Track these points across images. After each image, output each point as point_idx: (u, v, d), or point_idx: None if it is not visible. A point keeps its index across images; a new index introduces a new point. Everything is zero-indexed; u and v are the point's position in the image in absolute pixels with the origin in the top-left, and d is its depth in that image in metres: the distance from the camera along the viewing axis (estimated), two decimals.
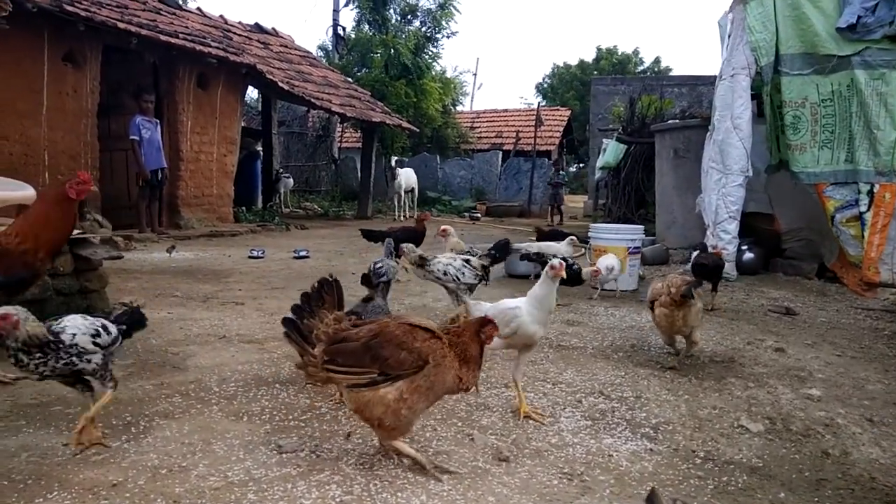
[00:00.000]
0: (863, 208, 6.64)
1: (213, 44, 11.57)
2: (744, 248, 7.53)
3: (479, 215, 19.22)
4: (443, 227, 6.24)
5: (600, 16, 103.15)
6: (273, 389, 3.36)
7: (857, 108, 6.62)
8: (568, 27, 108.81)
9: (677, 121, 9.89)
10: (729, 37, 7.37)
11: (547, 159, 23.43)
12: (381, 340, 2.39)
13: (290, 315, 2.55)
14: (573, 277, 5.82)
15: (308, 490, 2.31)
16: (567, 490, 2.42)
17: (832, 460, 2.78)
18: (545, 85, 47.04)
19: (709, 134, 7.56)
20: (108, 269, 6.31)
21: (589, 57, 45.10)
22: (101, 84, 9.75)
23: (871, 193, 6.59)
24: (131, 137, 9.72)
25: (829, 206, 6.85)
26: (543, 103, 41.34)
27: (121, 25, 9.29)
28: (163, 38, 10.13)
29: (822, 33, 6.73)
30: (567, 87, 43.49)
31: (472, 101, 36.80)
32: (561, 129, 29.44)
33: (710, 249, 6.26)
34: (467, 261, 4.74)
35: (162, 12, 11.81)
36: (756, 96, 7.27)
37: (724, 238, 7.13)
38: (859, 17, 6.46)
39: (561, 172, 19.15)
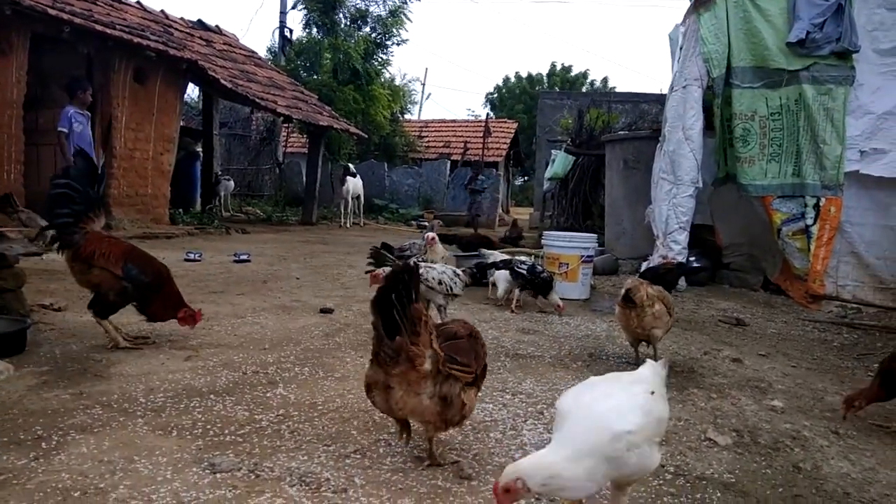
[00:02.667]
0: (809, 221, 6.73)
1: (152, 37, 11.03)
2: (692, 259, 7.55)
3: (426, 224, 19.02)
4: (430, 234, 6.23)
5: (549, 34, 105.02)
6: (207, 401, 3.04)
7: (805, 122, 6.73)
8: (518, 43, 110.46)
9: (627, 132, 9.94)
10: (681, 49, 7.42)
11: (494, 170, 23.47)
12: (478, 339, 2.52)
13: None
14: (543, 284, 5.68)
15: None
16: None
17: (804, 475, 2.67)
18: (495, 96, 47.41)
19: (659, 145, 7.58)
20: (28, 269, 5.83)
21: (540, 71, 45.82)
22: (28, 74, 9.11)
23: (817, 207, 6.70)
24: (60, 129, 8.92)
25: (776, 218, 6.93)
26: (492, 115, 41.65)
27: (51, 12, 8.72)
28: (98, 27, 9.57)
29: (772, 47, 6.83)
30: (516, 99, 43.99)
31: (420, 110, 36.77)
32: (508, 140, 29.57)
33: (658, 260, 6.22)
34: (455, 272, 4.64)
35: (98, 2, 11.18)
36: (706, 109, 7.32)
37: (675, 248, 7.13)
38: (808, 33, 6.58)
39: (480, 178, 17.78)
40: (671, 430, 3.05)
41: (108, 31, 9.76)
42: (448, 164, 24.04)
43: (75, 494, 2.10)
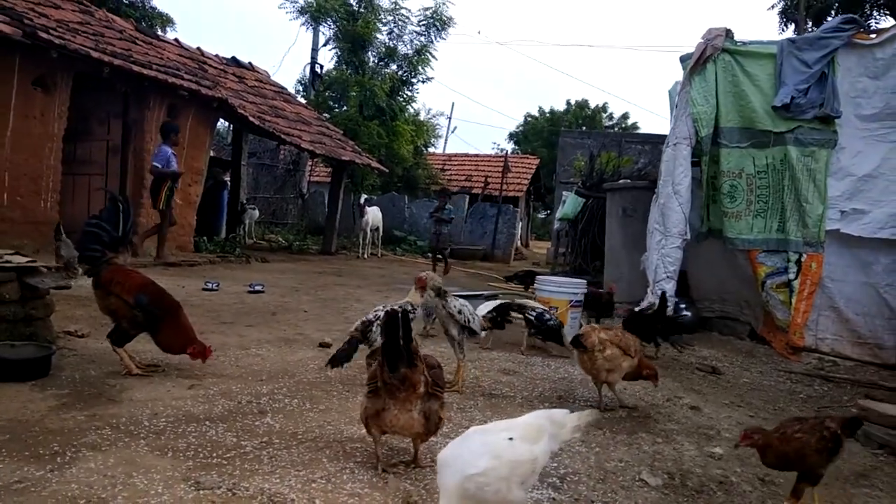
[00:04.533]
0: (791, 276, 7.04)
1: (186, 76, 11.77)
2: (682, 306, 7.86)
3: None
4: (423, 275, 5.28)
5: (577, 70, 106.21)
6: (202, 426, 3.48)
7: (789, 181, 7.08)
8: (546, 79, 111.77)
9: (628, 181, 10.34)
10: (675, 107, 7.83)
11: (512, 206, 23.91)
12: (441, 369, 3.17)
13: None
14: (550, 332, 6.00)
15: None
16: None
17: None
18: (518, 133, 48.15)
19: (654, 196, 7.96)
20: (57, 296, 6.39)
21: (560, 107, 46.49)
22: (69, 110, 9.86)
23: (799, 262, 7.01)
24: (154, 164, 10.23)
25: (761, 271, 7.25)
26: (516, 150, 42.31)
27: (94, 55, 9.45)
28: (135, 68, 10.30)
29: (759, 110, 7.22)
30: (537, 136, 44.62)
31: (445, 143, 37.54)
32: (529, 176, 30.10)
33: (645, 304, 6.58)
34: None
35: (138, 42, 12.01)
36: (698, 163, 7.72)
37: None
38: (793, 98, 6.97)
39: (448, 208, 15.10)
40: (610, 469, 3.41)
41: (145, 71, 10.48)
42: (467, 199, 24.55)
43: (81, 502, 2.54)
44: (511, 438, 2.22)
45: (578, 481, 3.25)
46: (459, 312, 4.65)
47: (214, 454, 3.13)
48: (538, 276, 7.88)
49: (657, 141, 23.83)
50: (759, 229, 7.33)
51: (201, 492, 2.71)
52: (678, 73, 7.99)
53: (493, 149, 45.62)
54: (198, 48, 15.13)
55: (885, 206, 6.63)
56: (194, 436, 3.34)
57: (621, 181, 10.50)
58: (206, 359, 4.47)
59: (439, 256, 14.76)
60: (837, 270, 6.88)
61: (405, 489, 2.93)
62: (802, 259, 6.98)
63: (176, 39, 14.93)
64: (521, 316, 6.34)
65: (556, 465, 3.43)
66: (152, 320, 4.37)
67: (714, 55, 7.28)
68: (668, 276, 7.46)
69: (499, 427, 2.35)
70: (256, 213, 17.73)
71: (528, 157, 33.79)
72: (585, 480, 3.26)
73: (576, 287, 7.16)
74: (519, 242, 26.23)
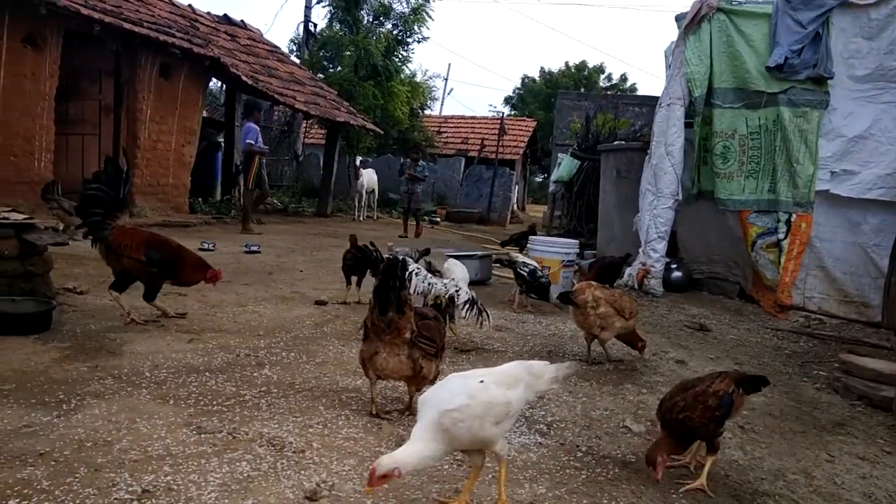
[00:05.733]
0: (781, 236, 7.14)
1: (177, 34, 11.62)
2: (673, 266, 7.98)
3: (438, 220, 19.55)
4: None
5: (574, 30, 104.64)
6: (202, 377, 3.59)
7: (781, 142, 7.13)
8: (544, 40, 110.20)
9: (623, 142, 10.36)
10: (670, 67, 7.83)
11: (508, 168, 23.86)
12: (440, 322, 3.38)
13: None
14: (541, 288, 6.16)
15: (220, 465, 2.57)
16: (455, 473, 2.73)
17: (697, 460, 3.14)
18: (514, 96, 47.67)
19: (647, 157, 8.01)
20: (56, 254, 6.45)
21: (559, 69, 45.97)
22: (60, 68, 9.76)
23: (788, 222, 7.11)
24: (248, 141, 11.15)
25: (752, 231, 7.35)
26: (512, 113, 41.96)
27: (84, 11, 9.31)
28: (126, 25, 10.16)
29: (752, 70, 7.23)
30: (535, 98, 44.21)
31: (441, 105, 37.14)
32: (526, 139, 29.92)
33: (638, 266, 6.71)
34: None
35: None
36: (691, 124, 7.75)
37: (653, 256, 7.58)
38: (786, 58, 6.97)
39: (421, 164, 13.99)
40: (595, 417, 3.56)
41: (136, 28, 10.34)
42: (463, 162, 24.49)
43: (88, 444, 2.65)
44: (486, 382, 2.33)
45: (565, 428, 3.38)
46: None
47: (215, 402, 3.24)
48: (531, 237, 7.98)
49: (654, 103, 23.63)
50: (751, 190, 7.40)
51: (203, 435, 2.83)
52: (675, 33, 7.96)
53: (491, 111, 45.34)
54: (189, 5, 14.88)
55: (875, 167, 6.69)
56: (195, 385, 3.46)
57: (616, 143, 10.52)
58: (217, 281, 4.89)
59: (412, 217, 13.81)
60: (826, 230, 6.98)
61: (399, 434, 3.05)
62: (792, 219, 7.07)
63: None
64: (512, 273, 6.48)
65: (543, 413, 3.57)
66: (168, 268, 4.65)
67: (709, 14, 7.26)
68: (659, 237, 7.56)
69: (477, 373, 2.48)
70: None
71: (525, 120, 33.55)
72: (571, 427, 3.40)
73: (568, 247, 7.25)
74: (515, 205, 26.25)
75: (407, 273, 4.31)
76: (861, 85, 6.82)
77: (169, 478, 2.43)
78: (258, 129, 11.42)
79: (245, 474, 2.51)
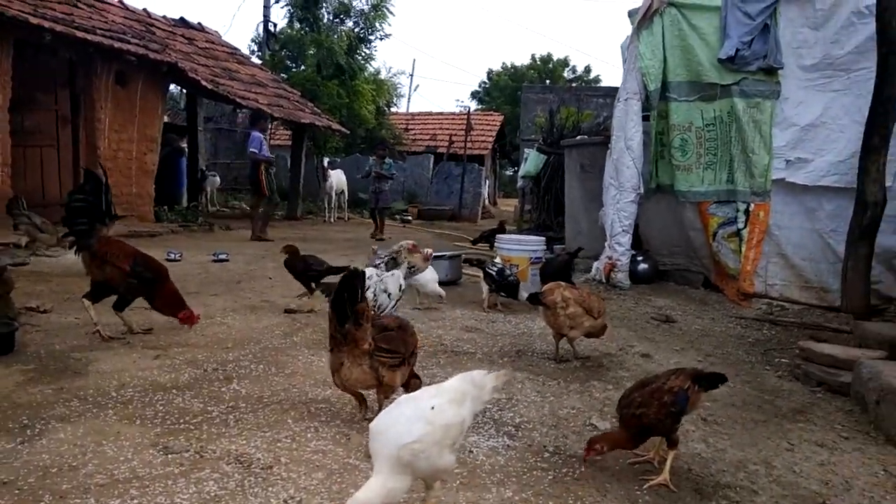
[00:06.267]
0: (740, 225, 7.30)
1: (132, 40, 11.43)
2: (639, 258, 8.11)
3: (410, 218, 19.56)
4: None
5: (539, 24, 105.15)
6: (169, 395, 3.57)
7: (736, 133, 7.28)
8: (507, 33, 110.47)
9: (585, 137, 10.48)
10: (625, 62, 7.94)
11: (477, 164, 23.92)
12: (406, 331, 3.34)
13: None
14: (510, 287, 6.23)
15: (187, 486, 2.57)
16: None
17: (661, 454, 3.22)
18: (481, 91, 47.79)
19: (608, 152, 8.12)
20: (18, 273, 6.35)
21: (524, 63, 46.20)
22: (13, 79, 9.54)
23: (747, 212, 7.26)
24: (251, 149, 11.38)
25: (713, 222, 7.50)
26: (479, 108, 42.06)
27: (33, 20, 9.13)
28: (79, 34, 9.98)
29: (705, 63, 7.36)
30: (501, 92, 44.39)
31: (408, 102, 37.14)
32: (494, 133, 29.98)
33: (605, 260, 6.80)
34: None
35: (80, 5, 11.56)
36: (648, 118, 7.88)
37: (618, 250, 7.71)
38: (738, 50, 7.11)
39: (387, 162, 13.75)
40: (562, 416, 3.62)
41: (89, 36, 10.16)
42: (432, 159, 24.46)
43: (53, 471, 2.63)
44: (439, 403, 2.30)
45: (532, 429, 3.44)
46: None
47: (182, 420, 3.23)
48: (498, 235, 8.04)
49: (616, 94, 24.18)
50: (710, 181, 7.55)
51: (170, 455, 2.82)
52: (630, 28, 8.07)
53: (458, 106, 45.36)
54: (144, 9, 14.64)
55: (828, 155, 6.85)
56: (161, 404, 3.44)
57: (578, 137, 10.64)
58: (192, 324, 4.76)
59: (378, 215, 13.63)
60: (784, 218, 7.14)
61: (366, 445, 3.07)
62: (751, 208, 7.23)
63: (120, 1, 14.40)
64: (480, 272, 6.54)
65: (512, 414, 3.62)
66: (147, 285, 4.67)
67: (661, 9, 7.37)
68: (623, 230, 7.67)
69: (428, 393, 2.44)
70: (217, 179, 17.50)
71: (492, 115, 33.60)
72: (539, 427, 3.46)
73: (535, 244, 7.33)
74: (487, 201, 26.34)
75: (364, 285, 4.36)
76: (810, 74, 6.97)
77: (136, 501, 2.43)
78: (262, 137, 11.64)
79: (212, 494, 2.52)
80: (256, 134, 11.64)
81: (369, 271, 4.92)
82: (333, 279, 4.78)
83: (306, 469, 2.79)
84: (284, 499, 2.52)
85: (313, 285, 6.10)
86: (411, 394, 2.54)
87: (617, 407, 3.00)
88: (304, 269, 6.10)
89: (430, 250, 6.11)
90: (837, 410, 4.02)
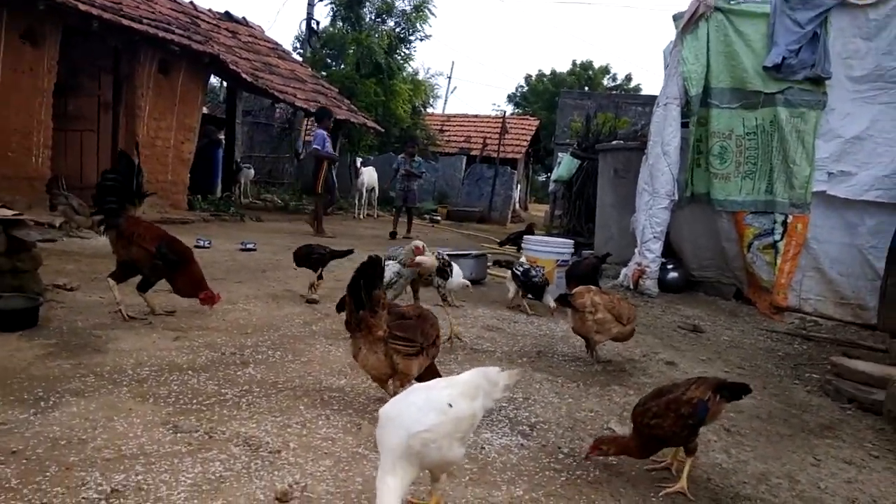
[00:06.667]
0: (777, 237, 7.10)
1: (177, 31, 11.61)
2: (669, 267, 7.94)
3: (438, 218, 19.55)
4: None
5: (579, 30, 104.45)
6: (185, 375, 3.57)
7: (778, 143, 7.07)
8: (547, 38, 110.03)
9: (622, 142, 10.31)
10: (667, 66, 7.78)
11: (510, 168, 23.80)
12: (426, 320, 3.28)
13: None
14: (535, 288, 6.14)
15: (193, 465, 2.55)
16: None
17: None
18: (517, 95, 47.64)
19: (644, 157, 7.97)
20: (49, 251, 6.47)
21: (563, 69, 45.94)
22: (59, 64, 9.76)
23: (785, 224, 7.06)
24: (315, 146, 11.80)
25: (748, 233, 7.30)
26: (515, 112, 41.92)
27: (82, 7, 9.31)
28: (125, 22, 10.16)
29: (750, 70, 7.18)
30: (538, 97, 44.18)
31: (444, 103, 37.15)
32: (528, 138, 29.81)
33: (634, 267, 6.66)
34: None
35: None
36: (688, 125, 7.70)
37: (649, 256, 7.55)
38: (784, 59, 6.92)
39: (416, 160, 13.39)
40: (579, 419, 3.53)
41: (135, 25, 10.35)
42: (464, 160, 24.41)
43: (62, 443, 2.64)
44: (452, 394, 2.23)
45: (548, 429, 3.36)
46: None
47: (195, 401, 3.23)
48: (525, 236, 7.94)
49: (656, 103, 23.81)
50: (748, 191, 7.35)
51: (179, 434, 2.81)
52: (674, 33, 7.90)
53: (494, 110, 45.24)
54: (191, 2, 14.89)
55: (872, 169, 6.63)
56: (176, 384, 3.44)
57: (613, 142, 10.47)
58: (213, 305, 4.82)
59: (406, 214, 13.36)
60: (823, 232, 6.92)
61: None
62: (788, 220, 7.02)
63: None
64: (507, 272, 6.47)
65: (527, 414, 3.54)
66: (171, 267, 4.70)
67: (707, 14, 7.21)
68: (654, 237, 7.52)
69: (441, 384, 2.38)
70: (252, 172, 17.69)
71: (527, 119, 33.45)
72: (554, 429, 3.37)
73: (562, 247, 7.22)
74: (518, 205, 26.21)
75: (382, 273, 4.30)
76: (859, 86, 6.76)
77: (140, 477, 2.41)
78: (325, 134, 11.87)
79: (217, 474, 2.49)
80: (320, 131, 11.87)
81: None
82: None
83: (314, 455, 2.75)
84: (289, 483, 2.48)
85: (321, 271, 6.12)
86: (424, 383, 2.47)
87: (632, 414, 2.90)
88: (307, 254, 6.13)
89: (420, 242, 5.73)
90: (868, 428, 3.85)
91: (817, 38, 6.77)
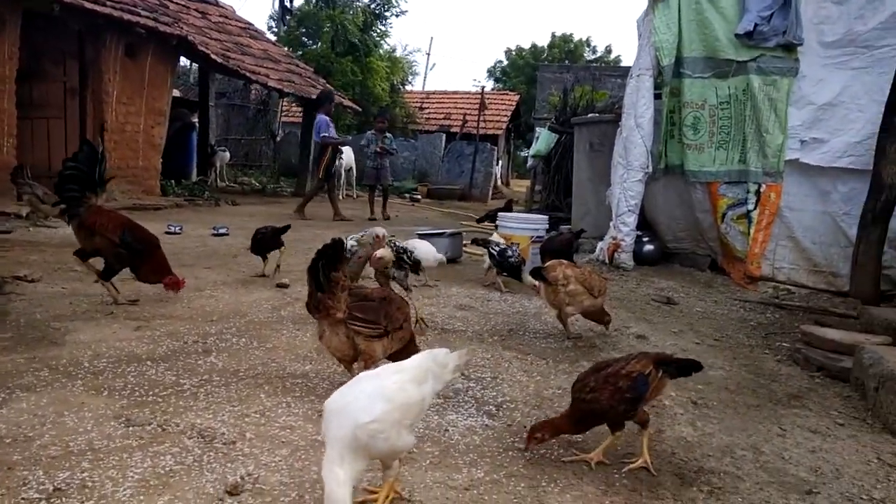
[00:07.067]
0: (750, 207, 7.07)
1: (143, 13, 11.32)
2: (644, 239, 7.92)
3: (419, 197, 19.43)
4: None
5: (560, 1, 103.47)
6: (143, 366, 3.49)
7: (751, 111, 7.02)
8: (526, 11, 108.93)
9: (597, 115, 10.22)
10: (640, 37, 7.68)
11: (490, 144, 23.64)
12: (392, 303, 3.22)
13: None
14: (511, 269, 6.05)
15: (143, 460, 2.48)
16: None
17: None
18: (497, 69, 47.22)
19: (618, 130, 7.89)
20: (13, 241, 6.32)
21: (544, 42, 45.54)
22: (21, 50, 9.48)
23: (758, 193, 7.03)
24: (323, 134, 11.68)
25: (722, 203, 7.27)
26: (496, 87, 41.57)
27: None
28: (87, 5, 9.87)
29: (722, 38, 7.09)
30: (518, 71, 43.82)
31: (424, 80, 36.81)
32: (509, 113, 29.64)
33: (609, 240, 6.62)
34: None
35: None
36: (660, 96, 7.63)
37: (623, 230, 7.51)
38: (756, 25, 6.84)
39: (388, 137, 12.84)
40: (547, 397, 3.49)
41: (98, 8, 10.06)
42: (444, 138, 24.19)
43: (7, 441, 2.55)
44: (400, 380, 2.17)
45: (514, 408, 3.32)
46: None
47: (150, 392, 3.15)
48: (500, 213, 7.87)
49: None
50: (721, 161, 7.31)
51: (131, 428, 2.74)
52: (646, 2, 7.78)
53: (474, 86, 44.80)
54: None
55: (844, 135, 6.60)
56: (133, 375, 3.36)
57: (589, 115, 10.38)
58: (178, 289, 4.77)
59: (381, 194, 13.02)
60: (796, 200, 6.90)
61: None
62: (762, 190, 7.00)
63: None
64: (484, 251, 6.41)
65: (494, 393, 3.50)
66: (135, 255, 4.62)
67: None
68: (629, 210, 7.48)
69: (389, 370, 2.31)
70: (227, 155, 17.44)
71: (507, 94, 33.22)
72: (521, 407, 3.34)
73: (537, 223, 7.17)
74: (499, 181, 26.08)
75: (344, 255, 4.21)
76: (831, 51, 6.70)
77: (85, 474, 2.34)
78: (328, 119, 11.84)
79: (167, 469, 2.43)
80: (323, 117, 11.77)
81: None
82: None
83: (270, 445, 2.69)
84: (241, 475, 2.42)
85: (279, 252, 6.23)
86: (372, 370, 2.41)
87: (571, 388, 2.83)
88: (253, 237, 6.19)
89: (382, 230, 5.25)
90: (835, 396, 3.86)
91: (789, 4, 6.68)
